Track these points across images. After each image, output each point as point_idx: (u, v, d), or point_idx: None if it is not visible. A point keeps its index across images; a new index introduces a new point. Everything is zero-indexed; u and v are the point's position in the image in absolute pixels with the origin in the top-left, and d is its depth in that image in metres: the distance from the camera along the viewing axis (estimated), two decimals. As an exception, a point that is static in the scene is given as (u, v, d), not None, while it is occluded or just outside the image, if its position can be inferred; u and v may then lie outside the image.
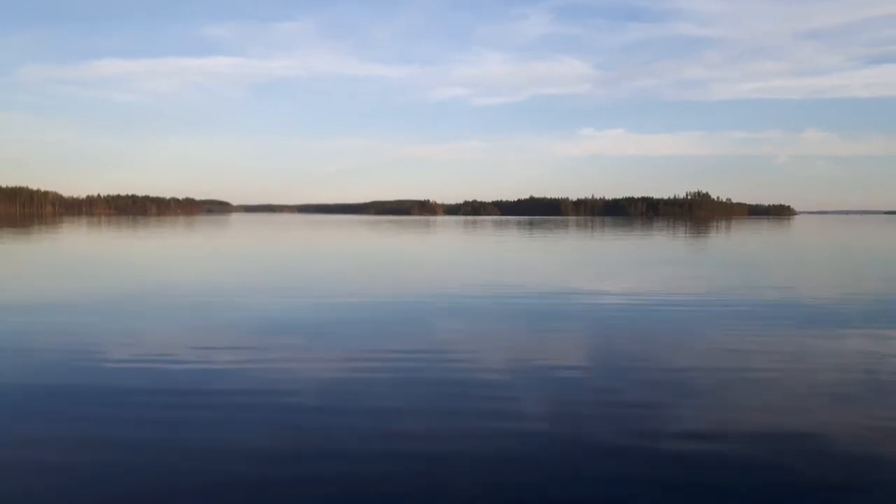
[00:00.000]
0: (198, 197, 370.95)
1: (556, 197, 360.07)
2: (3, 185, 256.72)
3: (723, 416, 8.43)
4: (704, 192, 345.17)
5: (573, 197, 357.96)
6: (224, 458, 6.96)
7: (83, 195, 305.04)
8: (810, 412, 8.62)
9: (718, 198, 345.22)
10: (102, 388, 9.55)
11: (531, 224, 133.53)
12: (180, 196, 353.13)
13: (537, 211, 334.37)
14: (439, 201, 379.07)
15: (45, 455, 7.01)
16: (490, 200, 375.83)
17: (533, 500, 6.06)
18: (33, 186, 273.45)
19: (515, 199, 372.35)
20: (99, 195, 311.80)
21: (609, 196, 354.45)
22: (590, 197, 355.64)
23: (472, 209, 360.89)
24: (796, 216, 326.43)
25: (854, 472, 6.66)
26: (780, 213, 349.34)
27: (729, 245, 55.52)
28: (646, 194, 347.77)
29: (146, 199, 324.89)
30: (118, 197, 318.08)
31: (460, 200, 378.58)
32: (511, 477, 6.53)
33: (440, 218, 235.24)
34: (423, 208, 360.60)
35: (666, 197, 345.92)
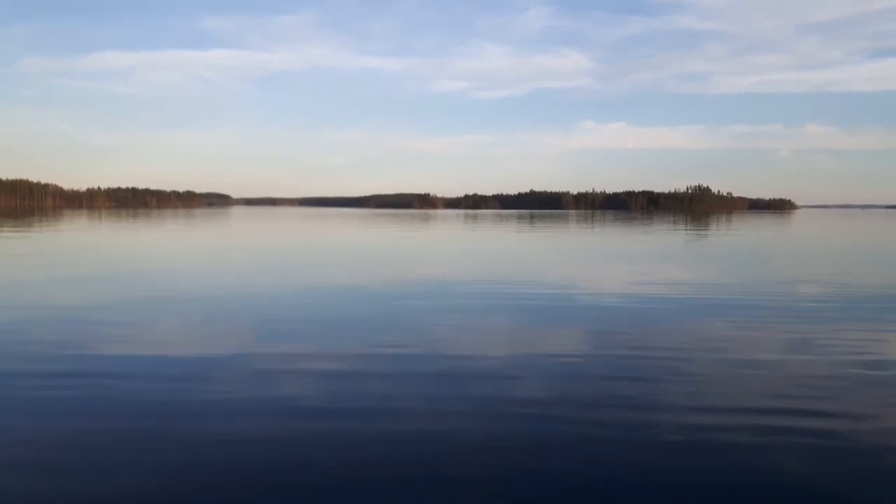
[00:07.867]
0: (198, 190, 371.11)
1: (557, 190, 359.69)
2: (4, 178, 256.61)
3: (722, 405, 8.49)
4: (705, 185, 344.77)
5: (574, 190, 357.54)
6: (223, 447, 7.03)
7: (83, 188, 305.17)
8: (808, 404, 8.68)
9: (719, 192, 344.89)
10: (102, 380, 9.63)
11: (532, 217, 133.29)
12: (181, 189, 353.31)
13: (538, 204, 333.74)
14: (440, 195, 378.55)
15: (46, 451, 7.08)
16: (490, 194, 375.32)
17: (532, 484, 6.20)
18: (33, 179, 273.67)
19: (516, 193, 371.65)
20: (99, 188, 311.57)
21: (609, 189, 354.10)
22: (590, 190, 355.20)
23: (473, 203, 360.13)
24: (797, 210, 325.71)
25: (853, 466, 6.68)
26: (780, 207, 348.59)
27: (728, 239, 55.49)
28: (646, 188, 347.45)
29: (146, 191, 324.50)
30: (118, 190, 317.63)
31: (461, 194, 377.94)
32: (510, 463, 6.62)
33: (441, 211, 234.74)
34: (424, 202, 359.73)
35: (666, 191, 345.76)
